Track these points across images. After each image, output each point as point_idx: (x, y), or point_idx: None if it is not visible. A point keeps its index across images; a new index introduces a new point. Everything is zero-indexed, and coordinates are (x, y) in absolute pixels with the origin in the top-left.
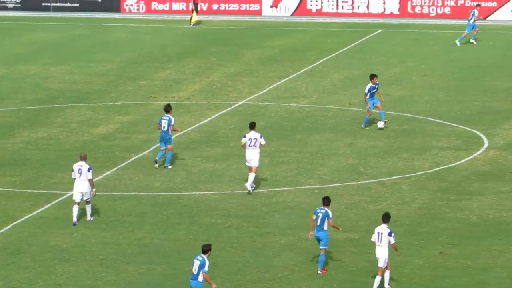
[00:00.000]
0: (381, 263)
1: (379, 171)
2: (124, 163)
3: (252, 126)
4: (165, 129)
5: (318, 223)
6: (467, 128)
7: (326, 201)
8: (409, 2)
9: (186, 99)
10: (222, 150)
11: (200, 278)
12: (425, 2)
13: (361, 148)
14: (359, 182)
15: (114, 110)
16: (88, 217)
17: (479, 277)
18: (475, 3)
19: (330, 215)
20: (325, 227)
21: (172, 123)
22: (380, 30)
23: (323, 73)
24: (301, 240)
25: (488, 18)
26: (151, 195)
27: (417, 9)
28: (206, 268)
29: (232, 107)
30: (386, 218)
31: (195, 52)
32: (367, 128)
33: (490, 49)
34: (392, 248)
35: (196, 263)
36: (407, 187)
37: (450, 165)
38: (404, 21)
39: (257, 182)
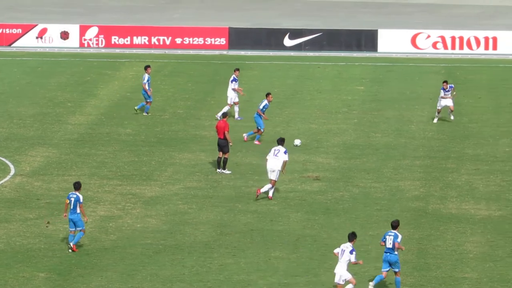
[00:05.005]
0: None
1: None
2: None
3: None
4: None
5: (72, 207)
6: None
7: (77, 186)
8: None
9: None
10: None
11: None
12: None
13: None
14: None
15: None
16: None
17: None
18: None
19: (81, 200)
20: (78, 210)
21: None
22: None
23: None
24: None
25: (12, 45)
26: None
27: None
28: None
29: None
30: None
31: None
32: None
33: (15, 75)
34: None
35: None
36: None
37: None
38: None
39: None
